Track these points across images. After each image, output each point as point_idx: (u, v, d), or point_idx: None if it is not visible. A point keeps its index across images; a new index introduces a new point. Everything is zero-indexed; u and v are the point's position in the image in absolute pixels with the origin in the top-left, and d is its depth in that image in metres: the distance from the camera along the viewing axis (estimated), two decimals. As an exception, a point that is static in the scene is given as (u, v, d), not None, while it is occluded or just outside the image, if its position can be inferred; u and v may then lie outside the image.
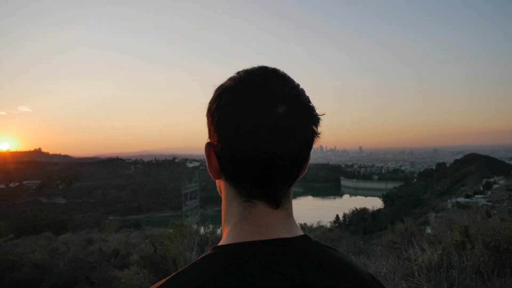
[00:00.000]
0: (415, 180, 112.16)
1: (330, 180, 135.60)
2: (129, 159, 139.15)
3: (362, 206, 57.09)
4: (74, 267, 11.28)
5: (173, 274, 0.68)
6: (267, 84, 0.70)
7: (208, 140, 0.74)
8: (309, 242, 0.73)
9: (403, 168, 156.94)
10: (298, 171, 0.74)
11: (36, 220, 41.36)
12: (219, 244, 0.71)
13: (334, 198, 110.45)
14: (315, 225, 15.44)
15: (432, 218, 19.38)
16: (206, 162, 0.75)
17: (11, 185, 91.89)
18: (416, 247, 4.40)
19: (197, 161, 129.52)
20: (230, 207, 0.75)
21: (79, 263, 11.43)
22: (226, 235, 0.73)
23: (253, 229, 0.71)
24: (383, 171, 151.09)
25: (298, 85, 0.74)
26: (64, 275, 11.05)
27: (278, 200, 0.72)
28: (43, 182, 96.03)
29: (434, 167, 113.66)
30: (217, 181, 0.79)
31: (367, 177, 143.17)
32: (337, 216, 52.08)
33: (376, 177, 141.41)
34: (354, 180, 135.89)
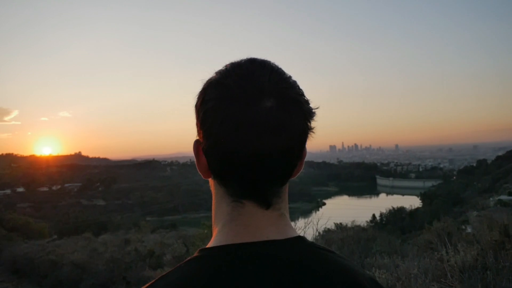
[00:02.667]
0: (454, 178, 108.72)
1: (366, 179, 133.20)
2: (165, 161, 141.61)
3: (399, 205, 55.79)
4: (112, 267, 11.59)
5: (158, 277, 0.65)
6: (254, 76, 0.65)
7: (197, 137, 0.71)
8: (303, 244, 0.69)
9: (441, 165, 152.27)
10: (290, 169, 0.69)
11: (78, 222, 42.86)
12: (207, 246, 0.68)
13: (370, 197, 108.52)
14: (349, 225, 15.19)
15: (473, 216, 18.72)
16: (195, 160, 0.72)
17: (54, 188, 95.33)
18: (449, 247, 4.25)
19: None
20: (219, 207, 0.72)
21: (116, 263, 11.72)
22: (215, 237, 0.70)
23: (242, 230, 0.67)
24: (420, 169, 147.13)
25: (290, 77, 0.69)
26: (102, 274, 11.37)
27: (268, 200, 0.68)
28: (84, 184, 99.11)
29: (474, 164, 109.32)
30: (209, 180, 0.74)
31: (403, 175, 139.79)
32: (374, 216, 51.18)
33: (413, 175, 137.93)
34: (391, 178, 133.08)
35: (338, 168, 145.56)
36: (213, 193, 0.74)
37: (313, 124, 0.69)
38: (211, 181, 0.74)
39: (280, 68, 0.70)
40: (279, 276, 0.62)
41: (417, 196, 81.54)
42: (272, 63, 0.70)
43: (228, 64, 0.69)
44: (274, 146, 0.63)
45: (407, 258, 5.67)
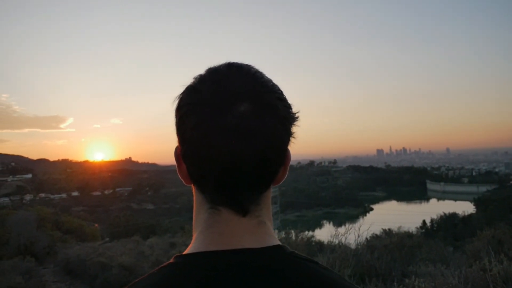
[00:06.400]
0: (511, 182, 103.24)
1: (415, 183, 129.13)
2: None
3: (451, 210, 53.65)
4: (157, 270, 11.89)
5: (130, 284, 0.65)
6: (228, 81, 0.64)
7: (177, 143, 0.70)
8: (281, 253, 0.66)
9: (496, 169, 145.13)
10: (268, 176, 0.66)
11: (128, 225, 44.22)
12: (183, 253, 0.67)
13: (420, 203, 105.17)
14: (395, 231, 14.78)
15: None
16: (176, 166, 0.71)
17: (106, 192, 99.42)
18: (493, 256, 4.05)
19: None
20: (198, 213, 0.70)
21: (161, 266, 12.02)
22: (192, 244, 0.68)
23: (216, 238, 0.65)
24: (474, 174, 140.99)
25: (269, 81, 0.67)
26: (148, 277, 11.69)
27: (245, 207, 0.66)
28: (134, 189, 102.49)
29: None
30: (192, 186, 0.72)
31: (455, 180, 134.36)
32: (424, 222, 49.51)
33: (466, 180, 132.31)
34: (442, 183, 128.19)
35: (385, 172, 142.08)
36: (194, 199, 0.72)
37: (294, 128, 0.67)
38: (193, 187, 0.72)
39: (259, 72, 0.68)
40: (252, 285, 0.60)
41: (471, 201, 78.20)
42: (251, 67, 0.68)
43: (206, 69, 0.68)
44: (247, 152, 0.61)
45: (452, 267, 5.44)
